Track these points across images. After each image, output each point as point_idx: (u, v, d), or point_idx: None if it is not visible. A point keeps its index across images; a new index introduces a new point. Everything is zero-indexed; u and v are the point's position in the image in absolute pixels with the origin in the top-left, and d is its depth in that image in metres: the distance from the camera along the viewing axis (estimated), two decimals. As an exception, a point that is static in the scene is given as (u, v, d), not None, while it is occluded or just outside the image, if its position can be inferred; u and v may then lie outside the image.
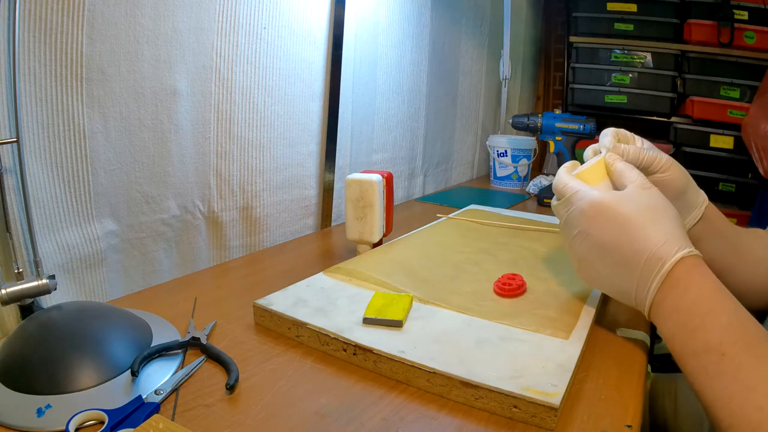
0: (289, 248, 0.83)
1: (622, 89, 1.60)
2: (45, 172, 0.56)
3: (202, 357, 0.48)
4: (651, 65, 1.58)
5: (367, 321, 0.51)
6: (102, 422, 0.38)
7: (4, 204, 0.50)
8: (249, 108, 0.77)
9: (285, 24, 0.80)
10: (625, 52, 1.59)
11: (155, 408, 0.40)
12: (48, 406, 0.40)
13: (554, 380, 0.41)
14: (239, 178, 0.78)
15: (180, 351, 0.49)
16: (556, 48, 1.81)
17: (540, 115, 1.25)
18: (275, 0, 0.77)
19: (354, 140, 1.01)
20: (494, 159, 1.40)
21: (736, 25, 1.44)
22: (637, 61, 1.59)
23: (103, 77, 0.59)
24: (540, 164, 1.68)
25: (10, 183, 0.51)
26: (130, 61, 0.61)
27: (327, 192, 0.94)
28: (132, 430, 0.36)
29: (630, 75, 1.59)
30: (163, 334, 0.52)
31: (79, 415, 0.38)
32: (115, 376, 0.44)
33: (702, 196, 0.54)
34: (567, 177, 0.50)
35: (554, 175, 1.38)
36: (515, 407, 0.40)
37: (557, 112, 1.25)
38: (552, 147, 1.25)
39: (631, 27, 1.56)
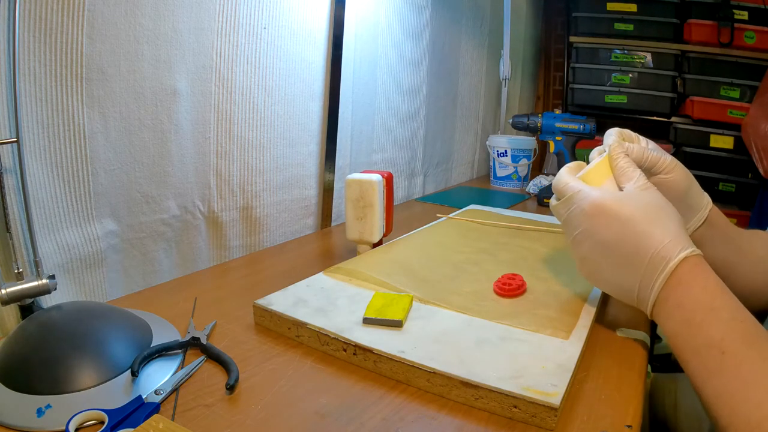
0: (289, 248, 0.83)
1: (622, 89, 1.60)
2: (45, 172, 0.56)
3: (202, 357, 0.48)
4: (651, 65, 1.58)
5: (367, 321, 0.51)
6: (102, 422, 0.38)
7: (4, 204, 0.50)
8: (249, 108, 0.77)
9: (285, 24, 0.80)
10: (625, 52, 1.59)
11: (155, 408, 0.40)
12: (48, 406, 0.40)
13: (554, 380, 0.41)
14: (239, 178, 0.78)
15: (180, 351, 0.49)
16: (556, 48, 1.81)
17: (540, 115, 1.25)
18: (275, 0, 0.77)
19: (354, 140, 1.01)
20: (494, 159, 1.40)
21: (736, 25, 1.44)
22: (637, 61, 1.59)
23: (103, 77, 0.59)
24: (540, 164, 1.68)
25: (10, 183, 0.51)
26: (130, 61, 0.61)
27: (327, 192, 0.94)
28: (132, 430, 0.36)
29: (630, 75, 1.59)
30: (163, 334, 0.52)
31: (79, 415, 0.38)
32: (115, 376, 0.44)
33: (706, 199, 0.54)
34: (567, 177, 0.50)
35: (554, 175, 1.38)
36: (515, 407, 0.40)
37: (557, 112, 1.25)
38: (552, 147, 1.25)
39: (631, 27, 1.56)
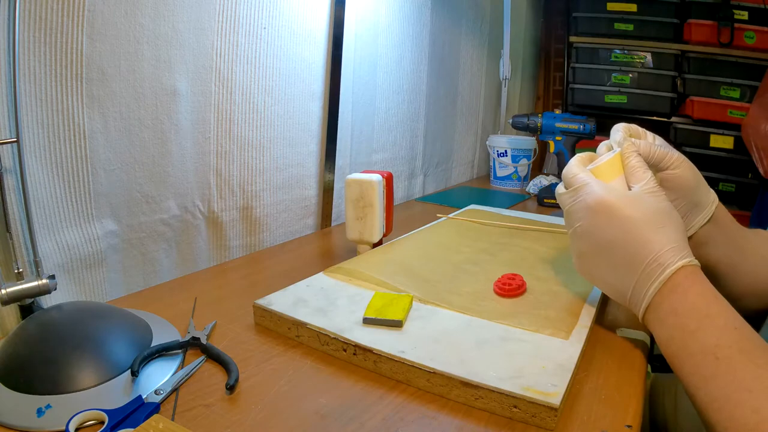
0: (289, 248, 0.83)
1: (622, 89, 1.60)
2: (45, 172, 0.56)
3: (202, 357, 0.48)
4: (651, 65, 1.58)
5: (367, 321, 0.51)
6: (102, 422, 0.38)
7: (4, 204, 0.50)
8: (249, 108, 0.77)
9: (285, 24, 0.80)
10: (625, 52, 1.59)
11: (155, 408, 0.40)
12: (48, 406, 0.40)
13: (554, 380, 0.41)
14: (239, 178, 0.78)
15: (180, 351, 0.49)
16: (556, 48, 1.81)
17: (540, 115, 1.25)
18: (275, 0, 0.77)
19: (354, 140, 1.01)
20: (494, 159, 1.40)
21: (736, 25, 1.44)
22: (637, 61, 1.59)
23: (103, 77, 0.59)
24: (540, 164, 1.68)
25: (10, 183, 0.51)
26: (130, 61, 0.61)
27: (327, 192, 0.94)
28: (132, 430, 0.36)
29: (630, 75, 1.59)
30: (163, 334, 0.52)
31: (79, 415, 0.38)
32: (115, 376, 0.44)
33: (712, 195, 0.54)
34: (578, 168, 0.50)
35: (554, 175, 1.38)
36: (515, 407, 0.40)
37: (557, 112, 1.25)
38: (552, 147, 1.25)
39: (631, 27, 1.56)
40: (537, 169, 1.65)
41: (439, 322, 0.52)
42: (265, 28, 0.76)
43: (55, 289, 0.53)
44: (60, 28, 0.53)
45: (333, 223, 0.97)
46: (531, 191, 1.30)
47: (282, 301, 0.55)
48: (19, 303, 0.52)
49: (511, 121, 1.29)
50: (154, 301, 0.60)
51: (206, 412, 0.41)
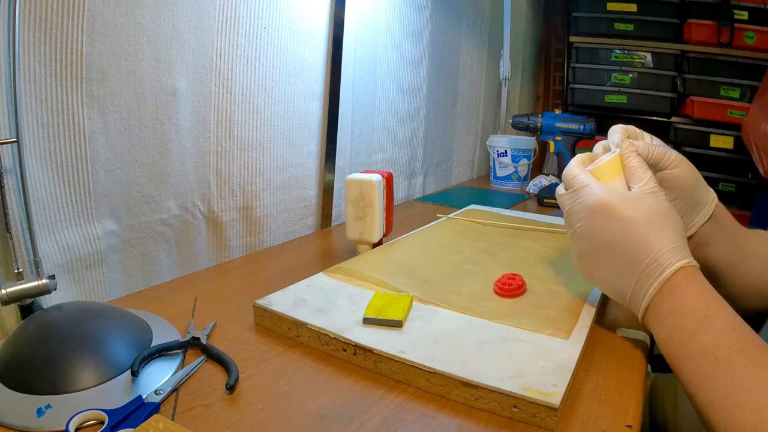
0: (289, 248, 0.83)
1: (622, 89, 1.60)
2: (45, 172, 0.56)
3: (202, 357, 0.48)
4: (651, 65, 1.57)
5: (367, 321, 0.51)
6: (102, 422, 0.38)
7: (4, 204, 0.50)
8: (249, 108, 0.77)
9: (285, 24, 0.80)
10: (625, 52, 1.59)
11: (155, 408, 0.40)
12: (48, 406, 0.40)
13: (554, 380, 0.41)
14: (239, 178, 0.78)
15: (180, 351, 0.49)
16: (556, 48, 1.81)
17: (540, 115, 1.25)
18: (275, 0, 0.77)
19: (354, 140, 1.01)
20: (494, 159, 1.40)
21: (736, 25, 1.44)
22: (637, 61, 1.58)
23: (103, 77, 0.59)
24: (540, 164, 1.68)
25: (10, 183, 0.51)
26: (130, 61, 0.61)
27: (327, 192, 0.94)
28: (132, 430, 0.36)
29: (630, 75, 1.59)
30: (163, 334, 0.52)
31: (79, 415, 0.38)
32: (115, 376, 0.44)
33: (712, 194, 0.54)
34: (578, 169, 0.50)
35: (554, 175, 1.38)
36: (515, 407, 0.40)
37: (557, 112, 1.25)
38: (552, 147, 1.25)
39: (631, 27, 1.56)
40: (537, 169, 1.65)
41: (439, 322, 0.52)
42: (265, 28, 0.76)
43: (55, 289, 0.53)
44: (60, 28, 0.53)
45: (333, 223, 0.97)
46: (531, 191, 1.30)
47: (282, 301, 0.55)
48: (19, 303, 0.52)
49: (511, 121, 1.29)
50: (154, 301, 0.60)
51: (206, 412, 0.41)
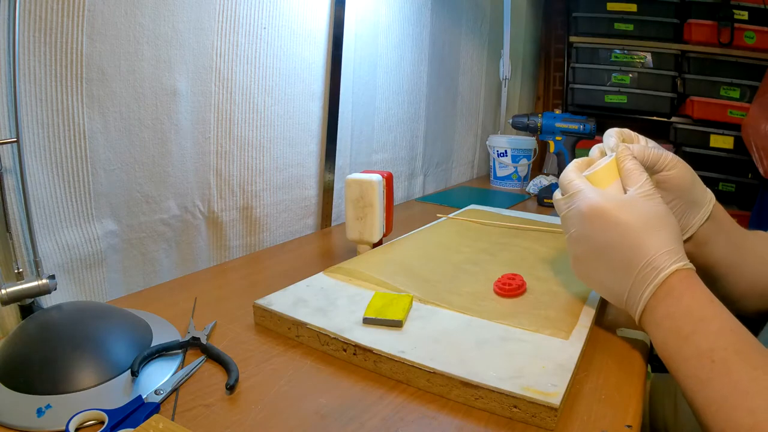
0: (289, 248, 0.83)
1: (622, 89, 1.60)
2: (45, 172, 0.56)
3: (202, 357, 0.48)
4: (651, 65, 1.57)
5: (367, 321, 0.51)
6: (102, 422, 0.38)
7: (4, 204, 0.50)
8: (249, 108, 0.77)
9: (285, 24, 0.80)
10: (625, 52, 1.59)
11: (155, 408, 0.40)
12: (48, 406, 0.40)
13: (554, 380, 0.41)
14: (239, 178, 0.79)
15: (180, 351, 0.49)
16: (556, 48, 1.81)
17: (540, 115, 1.25)
18: (275, 0, 0.77)
19: (354, 140, 1.01)
20: (494, 159, 1.40)
21: (736, 25, 1.44)
22: (637, 61, 1.58)
23: (103, 77, 0.59)
24: (540, 164, 1.68)
25: (10, 183, 0.51)
26: (130, 61, 0.61)
27: (327, 192, 0.94)
28: (132, 430, 0.36)
29: (630, 75, 1.59)
30: (163, 334, 0.52)
31: (79, 415, 0.38)
32: (115, 376, 0.44)
33: (709, 195, 0.54)
34: (573, 174, 0.50)
35: (554, 175, 1.38)
36: (515, 407, 0.40)
37: (557, 112, 1.25)
38: (552, 147, 1.25)
39: (631, 27, 1.56)
40: (537, 169, 1.65)
41: (439, 322, 0.52)
42: (265, 28, 0.76)
43: (55, 289, 0.53)
44: (60, 28, 0.53)
45: (333, 223, 0.97)
46: (531, 191, 1.30)
47: (282, 301, 0.55)
48: (19, 303, 0.52)
49: (511, 121, 1.29)
50: (154, 301, 0.60)
51: (206, 412, 0.41)
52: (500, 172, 1.40)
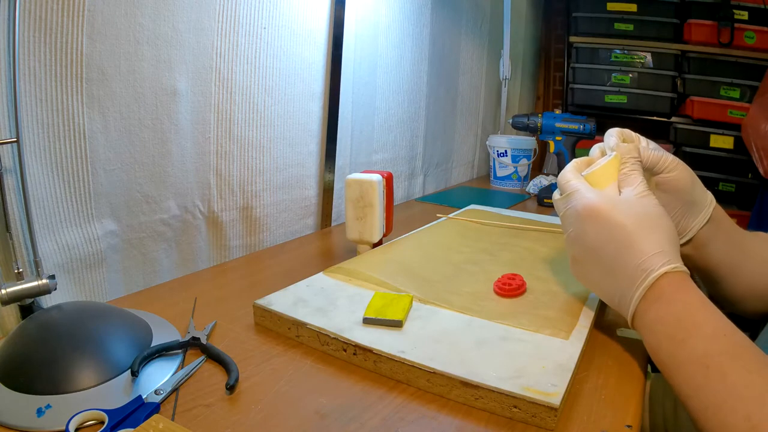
0: (289, 248, 0.83)
1: (622, 89, 1.60)
2: (45, 172, 0.56)
3: (202, 357, 0.48)
4: (651, 65, 1.57)
5: (367, 321, 0.51)
6: (102, 422, 0.38)
7: (4, 204, 0.50)
8: (249, 108, 0.77)
9: (285, 24, 0.80)
10: (625, 52, 1.59)
11: (155, 408, 0.40)
12: (48, 406, 0.40)
13: (554, 380, 0.41)
14: (239, 178, 0.79)
15: (180, 351, 0.49)
16: (556, 48, 1.81)
17: (540, 115, 1.25)
18: (275, 0, 0.77)
19: (354, 140, 1.01)
20: (494, 159, 1.40)
21: (736, 25, 1.44)
22: (637, 61, 1.58)
23: (103, 77, 0.59)
24: (540, 164, 1.67)
25: (10, 183, 0.51)
26: (130, 61, 0.61)
27: (327, 192, 0.94)
28: (132, 430, 0.36)
29: (630, 75, 1.59)
30: (163, 334, 0.52)
31: (79, 415, 0.38)
32: (115, 376, 0.44)
33: (709, 197, 0.54)
34: (571, 174, 0.50)
35: (554, 175, 1.38)
36: (515, 407, 0.40)
37: (557, 112, 1.25)
38: (552, 147, 1.25)
39: (631, 27, 1.56)
40: (537, 169, 1.65)
41: (439, 322, 0.52)
42: (265, 28, 0.76)
43: (55, 289, 0.53)
44: (60, 28, 0.53)
45: (333, 223, 0.97)
46: (531, 191, 1.30)
47: (282, 301, 0.55)
48: (19, 303, 0.52)
49: (511, 121, 1.29)
50: (154, 301, 0.60)
51: (206, 412, 0.41)
52: (500, 172, 1.40)
